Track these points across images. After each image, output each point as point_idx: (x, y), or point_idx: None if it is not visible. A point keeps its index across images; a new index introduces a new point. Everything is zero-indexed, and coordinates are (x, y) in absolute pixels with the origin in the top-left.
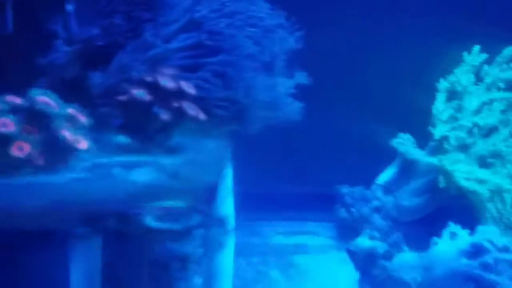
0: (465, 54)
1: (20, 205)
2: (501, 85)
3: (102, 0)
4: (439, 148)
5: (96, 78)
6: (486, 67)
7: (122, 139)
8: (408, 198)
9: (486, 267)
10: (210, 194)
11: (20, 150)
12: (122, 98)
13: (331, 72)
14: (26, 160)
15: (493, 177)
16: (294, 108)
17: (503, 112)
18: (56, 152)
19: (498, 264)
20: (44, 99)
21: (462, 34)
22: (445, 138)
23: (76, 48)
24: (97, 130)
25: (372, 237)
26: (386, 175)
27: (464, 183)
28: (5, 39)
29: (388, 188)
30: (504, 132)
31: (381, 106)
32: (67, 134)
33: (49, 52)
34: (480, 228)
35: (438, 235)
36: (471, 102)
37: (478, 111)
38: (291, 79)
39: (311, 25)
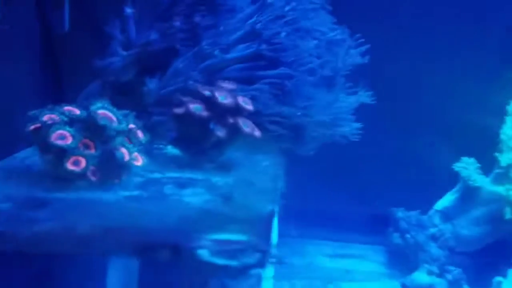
0: None
1: (71, 228)
2: None
3: (162, 4)
4: (505, 176)
5: (152, 85)
6: None
7: (175, 151)
8: (468, 227)
9: None
10: (268, 225)
11: (76, 165)
12: (179, 111)
13: (394, 92)
14: (81, 174)
15: None
16: (352, 129)
17: None
18: (111, 168)
19: None
20: (105, 113)
21: None
22: None
23: (133, 52)
24: (150, 140)
25: (430, 273)
26: (445, 201)
27: None
28: (61, 38)
29: (447, 215)
30: None
31: (445, 127)
32: (124, 152)
33: (105, 55)
34: None
35: (499, 270)
36: None
37: None
38: (353, 96)
39: (376, 42)
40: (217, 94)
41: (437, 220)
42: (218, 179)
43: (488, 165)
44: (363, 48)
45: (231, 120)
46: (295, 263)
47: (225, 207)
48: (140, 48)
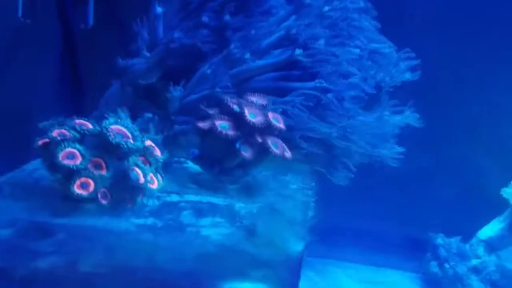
0: None
1: (73, 264)
2: None
3: (191, 3)
4: None
5: (176, 92)
6: None
7: (196, 167)
8: None
9: None
10: (295, 272)
11: (84, 188)
12: (203, 125)
13: (439, 110)
14: (90, 198)
15: None
16: (393, 153)
17: None
18: (124, 190)
19: None
20: (119, 128)
21: None
22: None
23: (157, 54)
24: (171, 151)
25: None
26: (491, 229)
27: None
28: (83, 36)
29: (492, 245)
30: None
31: (494, 150)
32: (139, 172)
33: (129, 55)
34: None
35: None
36: None
37: None
38: (398, 116)
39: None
40: (246, 111)
41: (480, 250)
42: (241, 206)
43: None
44: (414, 63)
45: (259, 139)
46: (317, 284)
47: (248, 243)
48: (163, 46)
